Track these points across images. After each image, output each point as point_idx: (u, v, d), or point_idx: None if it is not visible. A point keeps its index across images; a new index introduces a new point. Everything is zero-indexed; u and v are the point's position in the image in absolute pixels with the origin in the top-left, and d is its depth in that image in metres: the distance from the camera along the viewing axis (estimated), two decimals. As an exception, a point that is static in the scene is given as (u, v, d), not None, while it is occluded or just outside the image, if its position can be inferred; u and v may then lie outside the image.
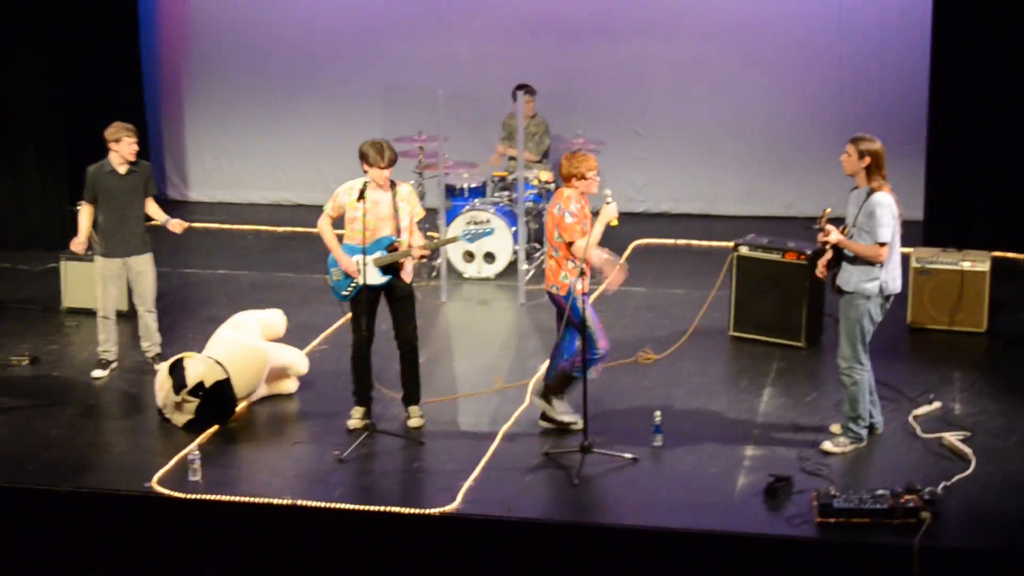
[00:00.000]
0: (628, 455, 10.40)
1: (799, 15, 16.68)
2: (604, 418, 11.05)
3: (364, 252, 10.64)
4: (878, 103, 16.19)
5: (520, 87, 15.26)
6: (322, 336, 12.99)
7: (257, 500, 9.88)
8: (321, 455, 10.66)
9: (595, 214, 10.63)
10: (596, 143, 15.34)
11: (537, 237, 15.14)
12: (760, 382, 11.88)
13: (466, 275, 14.87)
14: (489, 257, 14.80)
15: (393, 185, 10.81)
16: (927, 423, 11.01)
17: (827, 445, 10.60)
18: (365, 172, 10.72)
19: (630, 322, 13.51)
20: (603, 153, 15.74)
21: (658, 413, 10.74)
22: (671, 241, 16.18)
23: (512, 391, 11.78)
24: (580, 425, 10.76)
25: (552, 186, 15.28)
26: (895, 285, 10.42)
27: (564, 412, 11.00)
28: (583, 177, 10.63)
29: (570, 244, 10.58)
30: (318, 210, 11.17)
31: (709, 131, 16.83)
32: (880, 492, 9.52)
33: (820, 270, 10.68)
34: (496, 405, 11.53)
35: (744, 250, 12.92)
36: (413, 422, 11.09)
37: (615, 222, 10.61)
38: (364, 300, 10.80)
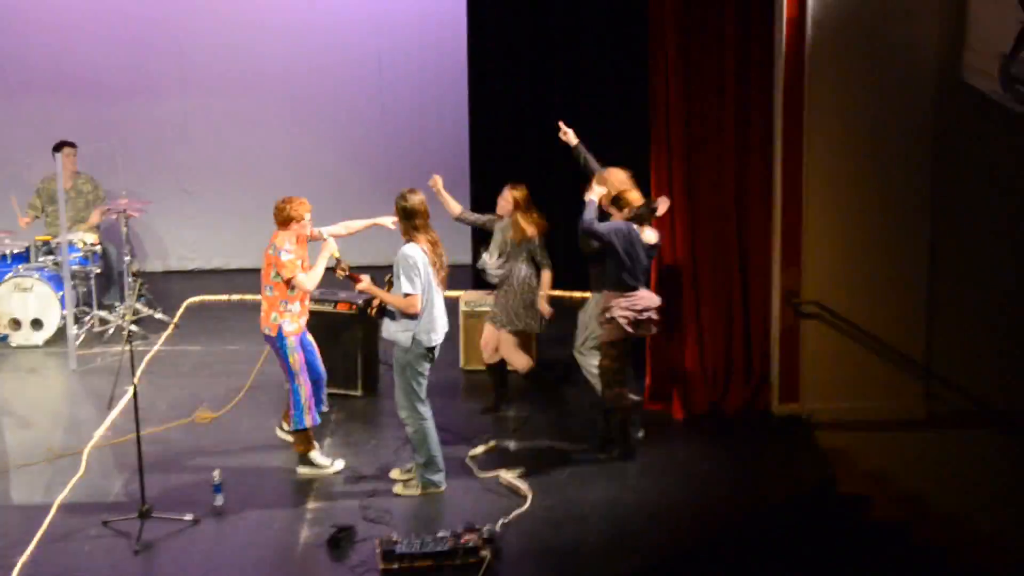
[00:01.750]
0: (188, 516, 10.29)
1: (340, 68, 16.85)
2: (163, 480, 10.91)
3: None
4: (421, 152, 16.52)
5: (62, 144, 14.97)
6: None
7: None
8: None
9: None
10: (142, 202, 15.14)
11: (86, 300, 14.82)
12: (317, 433, 11.88)
13: (13, 343, 14.43)
14: (36, 324, 14.40)
15: None
16: (484, 462, 11.29)
17: (398, 488, 10.80)
18: None
19: (187, 381, 13.34)
20: (150, 212, 15.63)
21: (217, 472, 10.66)
22: (225, 297, 16.07)
23: (66, 460, 11.48)
24: (338, 468, 11.28)
25: (99, 248, 15.00)
26: (432, 338, 10.60)
27: (323, 458, 11.30)
28: (300, 219, 11.03)
29: (289, 281, 10.90)
30: None
31: (255, 185, 16.73)
32: (441, 534, 9.72)
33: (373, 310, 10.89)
34: (50, 475, 11.21)
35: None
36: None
37: (336, 253, 10.92)
38: None
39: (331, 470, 11.19)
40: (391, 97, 16.89)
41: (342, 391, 12.77)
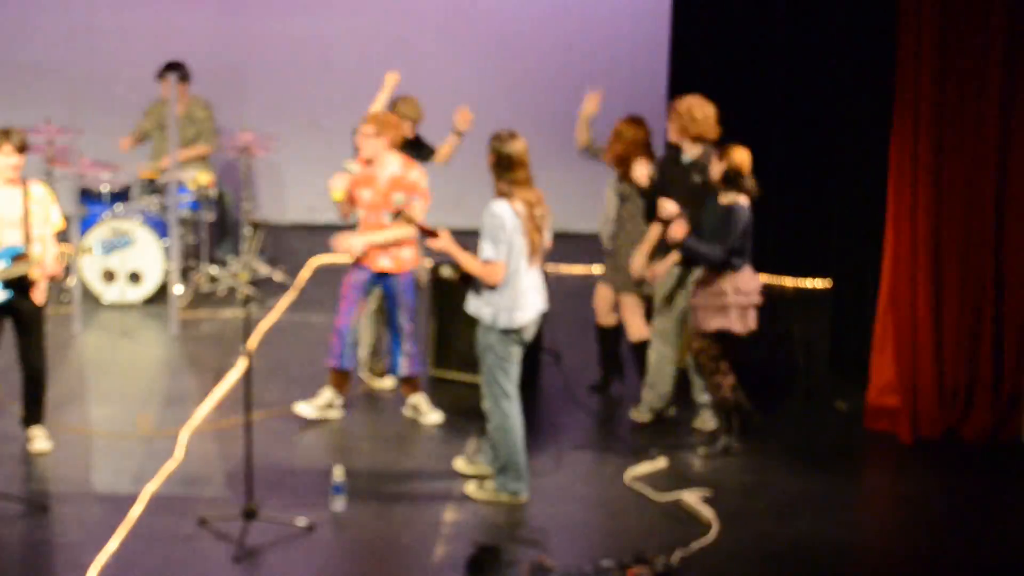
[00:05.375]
0: (301, 521, 10.16)
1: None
2: (274, 474, 10.83)
3: None
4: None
5: (170, 67, 14.95)
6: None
7: None
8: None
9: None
10: (268, 139, 15.14)
11: (194, 253, 14.83)
12: (464, 430, 11.79)
13: (105, 299, 14.48)
14: (134, 278, 14.44)
15: (25, 183, 10.54)
16: (661, 482, 11.04)
17: (471, 487, 10.76)
18: None
19: (308, 357, 13.28)
20: (277, 152, 15.63)
21: (339, 469, 10.53)
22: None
23: (159, 443, 11.45)
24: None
25: (214, 191, 15.00)
26: (514, 317, 10.34)
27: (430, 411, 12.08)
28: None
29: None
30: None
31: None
32: (606, 563, 9.52)
33: None
34: (140, 460, 11.17)
35: (446, 271, 12.71)
36: (38, 445, 10.81)
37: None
38: None
39: (329, 415, 12.05)
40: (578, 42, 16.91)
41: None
